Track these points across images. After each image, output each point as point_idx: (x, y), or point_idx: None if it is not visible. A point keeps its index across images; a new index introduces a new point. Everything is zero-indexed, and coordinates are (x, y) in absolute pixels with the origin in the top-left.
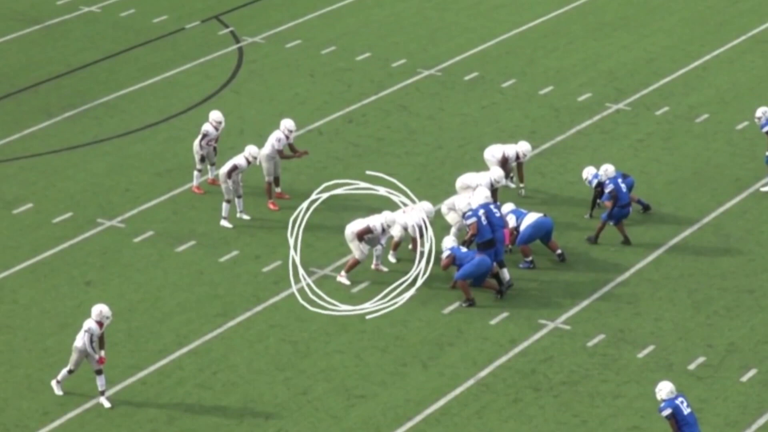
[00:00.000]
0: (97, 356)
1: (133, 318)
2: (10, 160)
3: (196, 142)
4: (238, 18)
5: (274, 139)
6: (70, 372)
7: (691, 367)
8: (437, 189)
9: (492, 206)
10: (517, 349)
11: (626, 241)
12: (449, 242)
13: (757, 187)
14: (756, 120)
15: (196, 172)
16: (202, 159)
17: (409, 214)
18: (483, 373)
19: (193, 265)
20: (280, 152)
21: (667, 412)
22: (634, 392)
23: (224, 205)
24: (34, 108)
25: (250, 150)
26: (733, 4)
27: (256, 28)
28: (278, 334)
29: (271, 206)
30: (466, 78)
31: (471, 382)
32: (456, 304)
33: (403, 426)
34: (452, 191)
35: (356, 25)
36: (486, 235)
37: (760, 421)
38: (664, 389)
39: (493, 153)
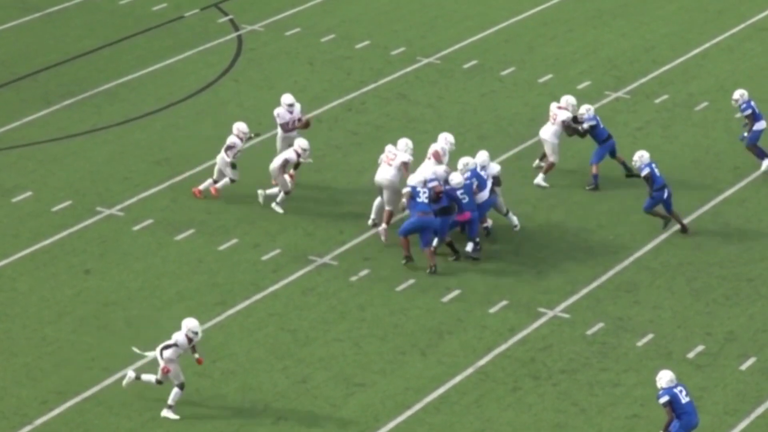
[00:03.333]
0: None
1: (132, 306)
2: (9, 149)
3: (222, 155)
4: (237, 6)
5: (276, 116)
6: (158, 383)
7: (690, 355)
8: None
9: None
10: (516, 338)
11: (683, 229)
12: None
13: (756, 175)
14: (733, 102)
15: (210, 180)
16: (233, 166)
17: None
18: (482, 362)
19: (192, 254)
20: (283, 126)
21: (665, 399)
22: (633, 381)
23: (282, 195)
24: (34, 96)
25: (300, 143)
26: None
27: (255, 16)
28: (277, 322)
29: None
30: (465, 66)
31: (470, 370)
32: (456, 292)
33: (402, 414)
34: None
35: (355, 13)
36: (443, 202)
37: (759, 410)
38: (664, 378)
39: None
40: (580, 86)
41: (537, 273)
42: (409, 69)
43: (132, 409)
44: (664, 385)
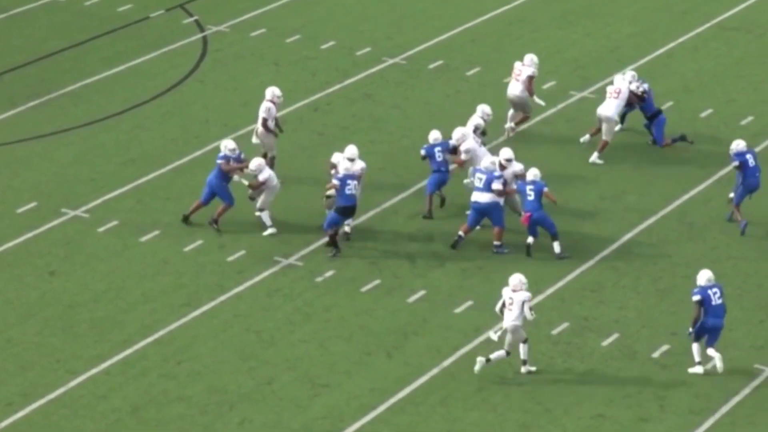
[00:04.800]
0: None
1: (97, 308)
2: None
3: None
4: (202, 7)
5: (264, 110)
6: (507, 354)
7: (655, 355)
8: (402, 178)
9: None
10: (482, 337)
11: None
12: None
13: (720, 174)
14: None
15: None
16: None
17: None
18: (447, 362)
19: (157, 255)
20: (264, 121)
21: (697, 298)
22: (598, 380)
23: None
24: None
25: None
26: None
27: (220, 17)
28: (242, 323)
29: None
30: (431, 66)
31: (435, 370)
32: (421, 293)
33: (367, 415)
34: (416, 180)
35: (321, 14)
36: (341, 201)
37: (724, 409)
38: (703, 276)
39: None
40: (546, 86)
41: (502, 273)
42: (374, 69)
43: (97, 411)
44: (702, 283)
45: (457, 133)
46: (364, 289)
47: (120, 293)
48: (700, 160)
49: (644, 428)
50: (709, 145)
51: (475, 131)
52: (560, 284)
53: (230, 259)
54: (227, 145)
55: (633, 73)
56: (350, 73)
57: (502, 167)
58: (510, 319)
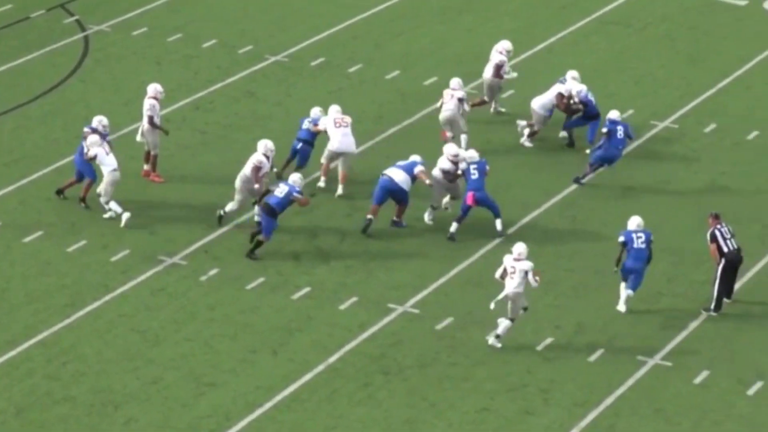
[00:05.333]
0: None
1: None
2: None
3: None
4: (83, 6)
5: (148, 107)
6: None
7: (540, 348)
8: (284, 176)
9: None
10: (366, 334)
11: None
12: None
13: (601, 168)
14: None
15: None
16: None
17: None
18: (333, 359)
19: (40, 256)
20: (150, 119)
21: (621, 239)
22: (482, 374)
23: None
24: None
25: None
26: None
27: (102, 17)
28: (127, 323)
29: (157, 178)
30: (313, 64)
31: (321, 367)
32: (306, 290)
33: (253, 413)
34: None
35: (202, 12)
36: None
37: (608, 401)
38: (633, 222)
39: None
40: (427, 82)
41: (386, 269)
42: (256, 67)
43: None
44: (630, 227)
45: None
46: (248, 287)
47: (3, 294)
48: (581, 155)
49: (529, 421)
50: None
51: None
52: (444, 279)
53: (114, 258)
54: (101, 120)
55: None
56: (232, 71)
57: (453, 163)
58: (512, 286)
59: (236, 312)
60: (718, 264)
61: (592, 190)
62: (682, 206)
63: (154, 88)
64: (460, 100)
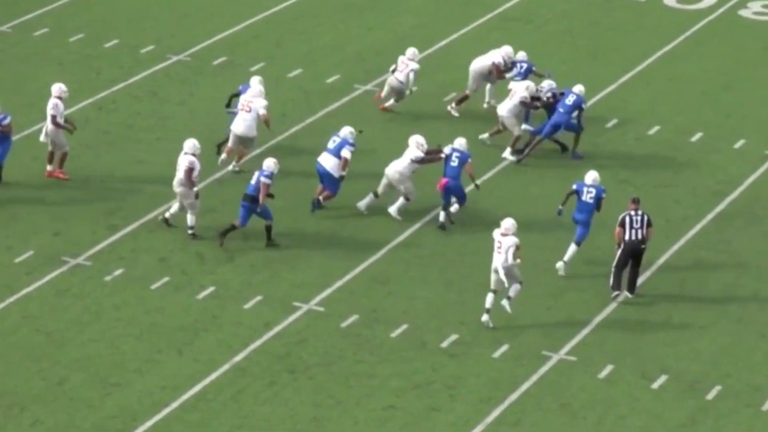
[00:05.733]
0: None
1: None
2: None
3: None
4: None
5: (51, 107)
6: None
7: (444, 344)
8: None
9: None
10: (271, 333)
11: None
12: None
13: (503, 165)
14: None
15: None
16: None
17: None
18: (238, 358)
19: None
20: (54, 118)
21: (573, 188)
22: (388, 372)
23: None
24: None
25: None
26: None
27: (2, 18)
28: (32, 324)
29: (61, 175)
30: (215, 63)
31: (226, 366)
32: (210, 289)
33: (159, 413)
34: (203, 176)
35: (104, 12)
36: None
37: (513, 397)
38: (590, 176)
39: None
40: (330, 80)
41: (291, 267)
42: (159, 67)
43: None
44: (586, 181)
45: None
46: (153, 286)
47: None
48: (485, 151)
49: (435, 418)
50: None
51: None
52: (349, 277)
53: (18, 260)
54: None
55: (550, 83)
56: (135, 71)
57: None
58: (499, 261)
59: (141, 312)
60: (619, 248)
61: (495, 185)
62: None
63: (58, 88)
64: (412, 71)
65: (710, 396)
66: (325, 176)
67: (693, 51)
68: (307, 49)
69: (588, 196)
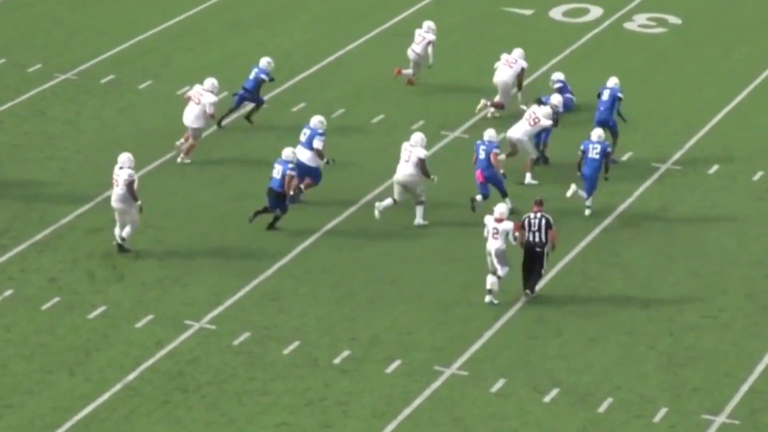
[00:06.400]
0: None
1: None
2: None
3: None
4: None
5: None
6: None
7: (337, 361)
8: (78, 193)
9: None
10: (163, 351)
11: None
12: None
13: (389, 182)
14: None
15: None
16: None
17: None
18: (130, 377)
19: None
20: None
21: (581, 148)
22: (281, 389)
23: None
24: None
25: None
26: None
27: None
28: None
29: None
30: (103, 81)
31: (118, 386)
32: (101, 309)
33: None
34: (94, 194)
35: None
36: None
37: (406, 411)
38: (595, 133)
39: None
40: (221, 96)
41: (182, 285)
42: (46, 86)
43: None
44: (592, 138)
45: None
46: (43, 307)
47: None
48: (371, 165)
49: None
50: (381, 152)
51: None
52: (240, 294)
53: None
54: None
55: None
56: (21, 90)
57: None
58: (494, 246)
59: (32, 332)
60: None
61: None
62: (474, 217)
63: None
64: (430, 44)
65: (602, 408)
66: (303, 168)
67: (580, 64)
68: (196, 66)
69: (594, 152)
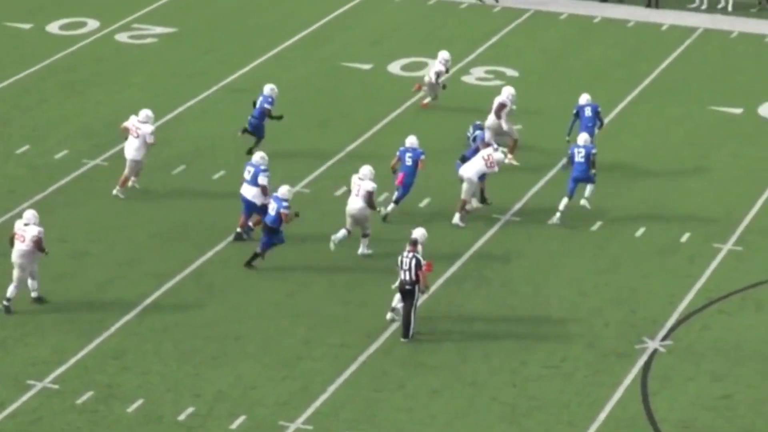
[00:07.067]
0: None
1: None
2: None
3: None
4: None
5: None
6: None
7: (181, 417)
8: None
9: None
10: (5, 412)
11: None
12: None
13: (229, 240)
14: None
15: None
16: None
17: None
18: None
19: None
20: None
21: (569, 154)
22: None
23: None
24: None
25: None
26: (203, 56)
27: None
28: None
29: None
30: None
31: None
32: None
33: None
34: None
35: None
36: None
37: None
38: (582, 137)
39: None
40: (58, 155)
41: (24, 345)
42: None
43: None
44: (578, 142)
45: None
46: None
47: None
48: (215, 221)
49: None
50: (220, 210)
51: None
52: (83, 353)
53: None
54: None
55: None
56: None
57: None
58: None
59: None
60: None
61: (227, 256)
62: (316, 271)
63: None
64: (437, 73)
65: None
66: (251, 205)
67: (419, 117)
68: (34, 125)
69: (579, 156)
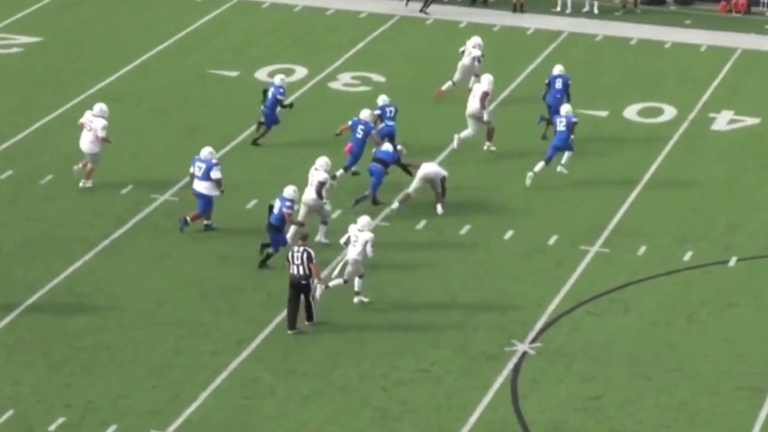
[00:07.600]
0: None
1: None
2: None
3: None
4: None
5: None
6: (345, 282)
7: (52, 428)
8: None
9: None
10: None
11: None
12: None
13: (104, 244)
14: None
15: None
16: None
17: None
18: None
19: None
20: None
21: (549, 120)
22: None
23: None
24: None
25: None
26: (70, 65)
27: None
28: None
29: None
30: None
31: None
32: None
33: None
34: None
35: None
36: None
37: None
38: (564, 108)
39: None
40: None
41: None
42: None
43: None
44: (561, 112)
45: None
46: None
47: None
48: (82, 231)
49: None
50: (90, 216)
51: None
52: None
53: None
54: None
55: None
56: None
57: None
58: (353, 253)
59: None
60: None
61: (95, 266)
62: (188, 281)
63: None
64: (475, 59)
65: None
66: (204, 198)
67: (291, 123)
68: None
69: (561, 125)
